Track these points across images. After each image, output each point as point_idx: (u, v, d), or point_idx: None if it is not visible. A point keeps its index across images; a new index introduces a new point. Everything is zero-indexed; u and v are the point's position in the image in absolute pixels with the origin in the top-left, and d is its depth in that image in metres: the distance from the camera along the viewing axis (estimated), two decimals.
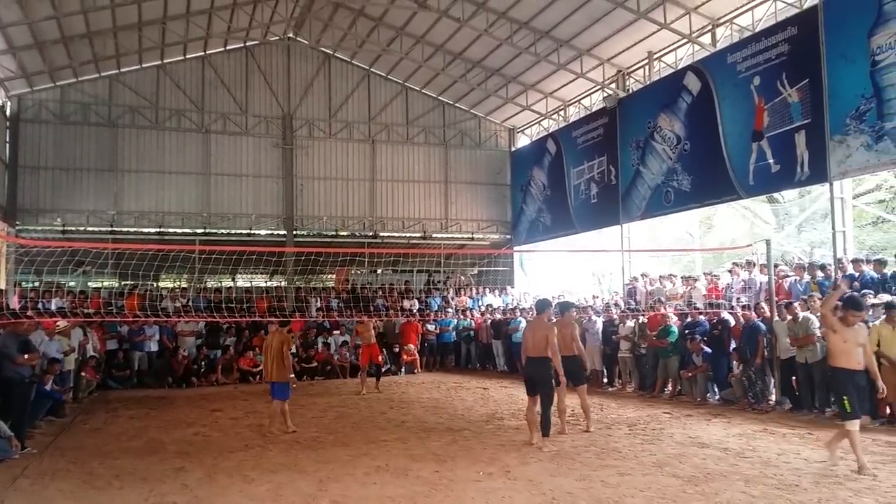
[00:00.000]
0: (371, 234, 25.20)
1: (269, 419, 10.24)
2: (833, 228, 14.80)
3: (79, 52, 20.42)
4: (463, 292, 22.61)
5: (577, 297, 19.95)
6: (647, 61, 19.92)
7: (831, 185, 14.48)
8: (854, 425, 7.26)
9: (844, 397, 7.31)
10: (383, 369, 16.76)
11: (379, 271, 25.42)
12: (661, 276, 17.42)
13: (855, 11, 13.53)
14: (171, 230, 22.93)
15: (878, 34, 13.03)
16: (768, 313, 12.04)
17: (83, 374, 14.44)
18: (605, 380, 15.55)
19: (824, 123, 14.09)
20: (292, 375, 10.38)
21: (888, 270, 12.39)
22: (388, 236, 25.44)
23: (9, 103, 21.39)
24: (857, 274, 12.54)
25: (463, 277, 25.05)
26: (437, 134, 26.31)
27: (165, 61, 23.12)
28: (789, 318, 11.34)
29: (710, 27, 17.64)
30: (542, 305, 9.73)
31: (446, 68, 23.57)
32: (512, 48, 21.14)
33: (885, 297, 10.86)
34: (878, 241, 22.58)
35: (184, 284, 20.69)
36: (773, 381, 11.99)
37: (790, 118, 14.90)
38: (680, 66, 18.70)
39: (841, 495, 6.40)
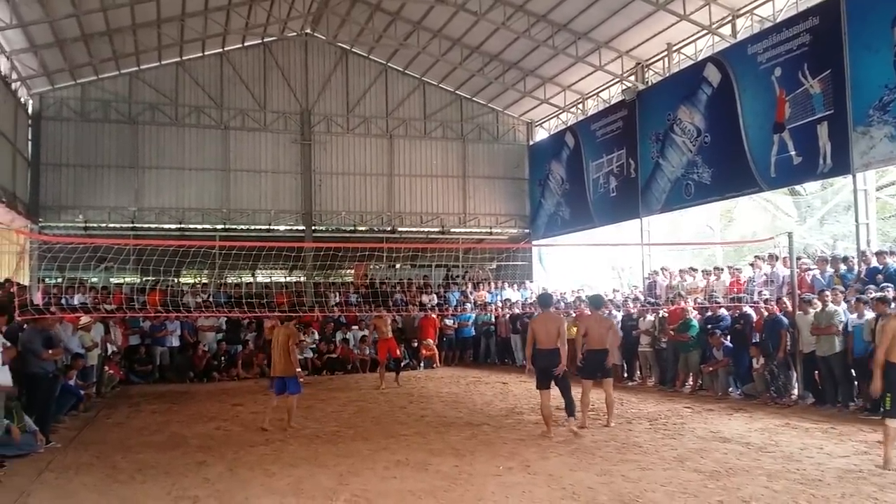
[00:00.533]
0: (389, 229, 25.22)
1: (287, 414, 10.26)
2: (856, 221, 14.61)
3: (99, 50, 20.58)
4: (481, 287, 22.59)
5: (596, 291, 19.88)
6: (666, 53, 19.73)
7: (854, 176, 14.30)
8: (895, 423, 7.13)
9: (888, 394, 7.19)
10: (402, 363, 16.82)
11: (397, 266, 25.46)
12: (681, 270, 17.30)
13: (878, 1, 13.31)
14: (191, 226, 23.10)
15: None
16: (790, 307, 11.93)
17: (107, 368, 14.59)
18: (626, 374, 15.47)
19: (847, 114, 13.87)
20: (299, 370, 10.39)
21: None
22: (407, 231, 25.46)
23: (31, 101, 21.63)
24: (881, 266, 12.38)
25: (481, 272, 25.03)
26: (454, 128, 26.26)
27: (184, 58, 23.27)
28: (817, 307, 11.20)
29: (730, 18, 17.44)
30: (546, 300, 10.21)
31: (464, 62, 23.49)
32: (529, 41, 21.04)
33: None
34: None
35: (204, 280, 20.84)
36: (795, 375, 11.88)
37: (812, 109, 14.69)
38: (700, 58, 18.51)
39: (865, 490, 6.33)
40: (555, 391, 9.30)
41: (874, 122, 13.34)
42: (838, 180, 17.73)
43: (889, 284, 11.10)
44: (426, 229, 25.73)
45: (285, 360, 10.14)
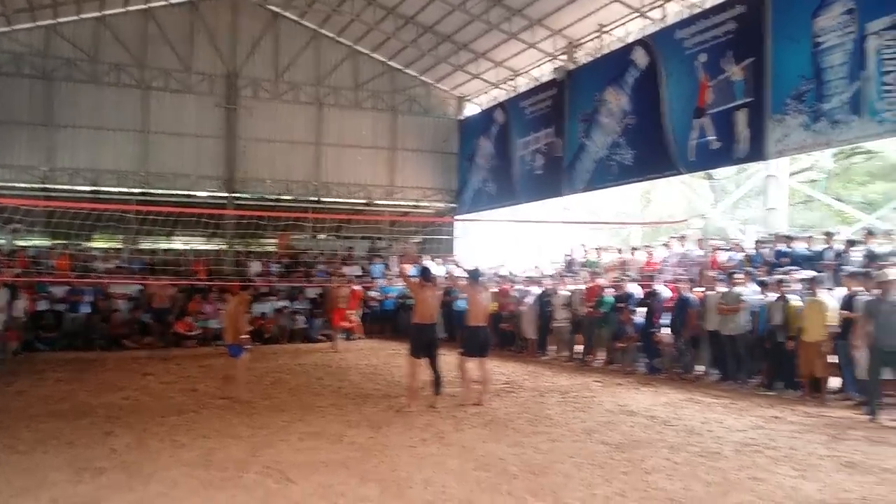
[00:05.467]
0: (315, 199, 24.88)
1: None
2: (766, 206, 15.17)
3: None
4: (405, 260, 22.50)
5: (516, 266, 20.10)
6: (597, 34, 19.92)
7: (768, 163, 14.81)
8: None
9: None
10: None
11: (321, 237, 25.17)
12: (598, 248, 17.66)
13: None
14: (106, 189, 22.21)
15: (821, 16, 13.18)
16: (699, 286, 12.33)
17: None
18: (540, 348, 15.75)
19: (765, 102, 14.35)
20: (243, 336, 10.27)
21: (817, 247, 12.75)
22: (332, 202, 25.17)
23: None
24: (788, 250, 12.93)
25: (406, 245, 24.99)
26: (385, 99, 25.96)
27: (105, 13, 22.16)
28: (724, 288, 11.63)
29: (661, 2, 17.69)
30: (428, 273, 10.06)
31: (397, 32, 23.19)
32: (464, 14, 20.89)
33: (811, 273, 11.17)
34: (809, 220, 23.25)
35: (118, 245, 20.12)
36: (701, 352, 12.31)
37: (732, 96, 15.08)
38: (629, 41, 18.78)
39: (760, 462, 6.66)
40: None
41: (790, 111, 13.79)
42: (752, 166, 18.31)
43: (795, 267, 11.60)
44: (352, 200, 25.49)
45: (231, 328, 10.19)
